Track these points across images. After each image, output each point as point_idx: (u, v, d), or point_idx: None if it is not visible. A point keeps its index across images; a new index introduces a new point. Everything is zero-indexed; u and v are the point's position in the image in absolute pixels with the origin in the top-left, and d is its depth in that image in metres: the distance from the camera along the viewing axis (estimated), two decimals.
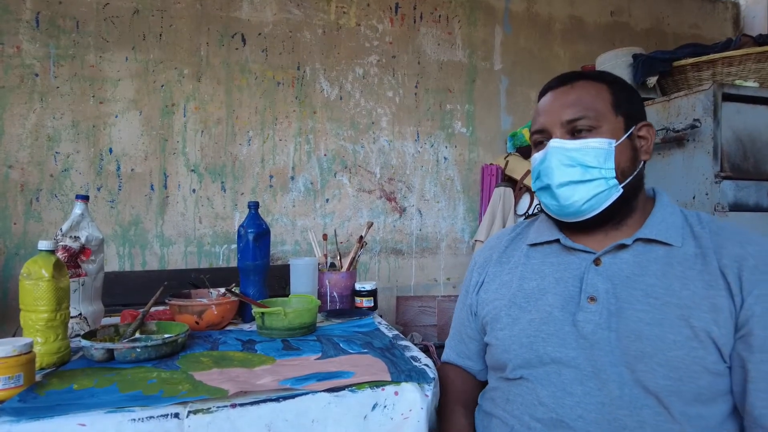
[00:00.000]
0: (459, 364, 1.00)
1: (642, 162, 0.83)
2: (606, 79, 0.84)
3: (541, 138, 0.85)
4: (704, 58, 1.74)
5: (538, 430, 0.75)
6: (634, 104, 0.83)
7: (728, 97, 1.66)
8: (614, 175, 0.78)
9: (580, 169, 0.78)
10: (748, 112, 1.69)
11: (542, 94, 0.87)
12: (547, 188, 0.82)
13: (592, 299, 0.77)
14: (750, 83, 1.71)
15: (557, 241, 0.86)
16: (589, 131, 0.79)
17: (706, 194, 1.65)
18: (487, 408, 0.88)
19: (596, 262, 0.79)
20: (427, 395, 0.83)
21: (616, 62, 2.06)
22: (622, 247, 0.79)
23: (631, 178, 0.80)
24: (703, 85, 1.68)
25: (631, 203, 0.82)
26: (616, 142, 0.79)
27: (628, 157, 0.80)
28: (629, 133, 0.80)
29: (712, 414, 0.70)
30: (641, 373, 0.70)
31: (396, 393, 0.82)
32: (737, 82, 1.71)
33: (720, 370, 0.70)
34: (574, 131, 0.80)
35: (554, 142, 0.80)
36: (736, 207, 1.64)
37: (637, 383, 0.70)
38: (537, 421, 0.76)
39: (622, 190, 0.79)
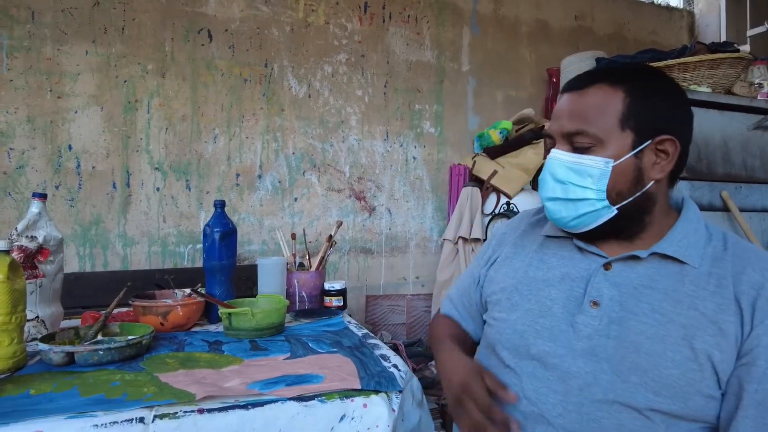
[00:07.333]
0: (457, 320, 1.00)
1: (652, 182, 0.76)
2: (628, 82, 0.76)
3: (550, 141, 0.83)
4: (662, 63, 1.82)
5: (520, 421, 0.76)
6: (657, 114, 0.75)
7: None
8: (605, 196, 0.75)
9: (570, 186, 0.77)
10: (701, 116, 1.76)
11: (561, 92, 0.83)
12: (543, 198, 0.83)
13: (595, 304, 0.75)
14: (703, 88, 1.79)
15: (572, 238, 0.84)
16: (587, 149, 0.75)
17: None
18: None
19: (606, 266, 0.78)
20: (394, 410, 0.84)
21: (580, 65, 2.13)
22: (637, 258, 0.76)
23: (630, 199, 0.75)
24: None
25: (641, 219, 0.78)
26: (615, 162, 0.74)
27: (629, 178, 0.75)
28: (637, 150, 0.74)
29: (692, 429, 0.70)
30: (632, 384, 0.70)
31: (365, 405, 0.82)
32: (692, 87, 1.79)
33: (714, 395, 0.68)
34: (573, 144, 0.77)
35: (554, 153, 0.80)
36: None
37: (625, 392, 0.70)
38: (520, 413, 0.77)
39: (616, 211, 0.75)
